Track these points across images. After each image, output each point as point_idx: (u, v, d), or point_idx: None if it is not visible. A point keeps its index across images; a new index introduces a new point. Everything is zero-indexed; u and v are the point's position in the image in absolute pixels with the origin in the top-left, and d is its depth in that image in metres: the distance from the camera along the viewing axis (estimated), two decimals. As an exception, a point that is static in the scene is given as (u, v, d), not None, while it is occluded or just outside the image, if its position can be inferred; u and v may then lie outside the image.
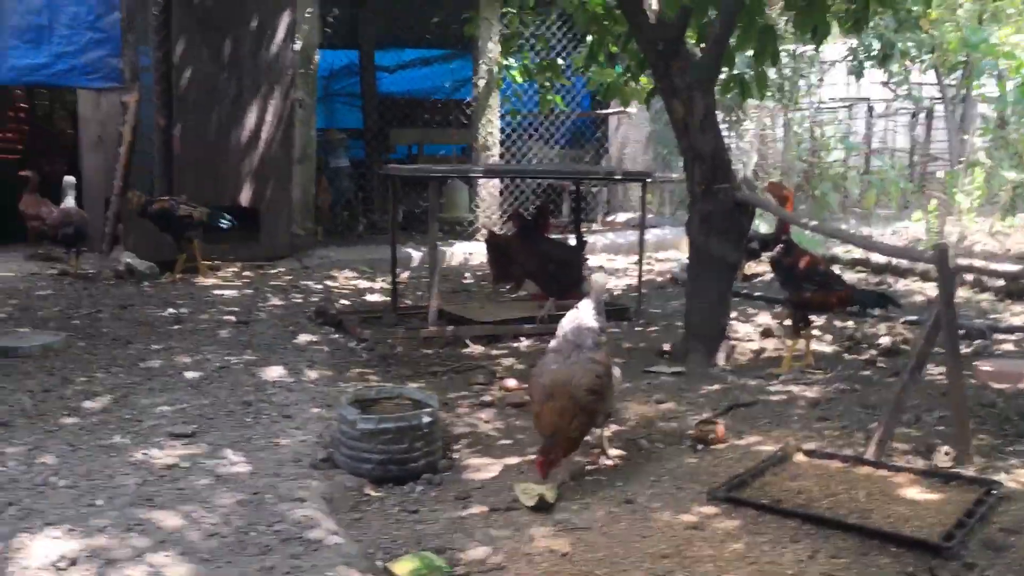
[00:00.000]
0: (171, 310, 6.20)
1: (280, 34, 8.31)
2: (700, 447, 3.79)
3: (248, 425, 3.92)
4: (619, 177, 8.97)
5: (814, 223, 7.33)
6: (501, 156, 9.94)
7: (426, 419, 3.57)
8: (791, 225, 5.27)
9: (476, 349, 5.60)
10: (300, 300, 6.92)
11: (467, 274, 8.53)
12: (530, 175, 9.33)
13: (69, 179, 7.82)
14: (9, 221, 8.73)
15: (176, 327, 5.76)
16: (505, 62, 8.73)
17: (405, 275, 8.42)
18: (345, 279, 8.04)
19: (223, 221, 7.59)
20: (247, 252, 8.45)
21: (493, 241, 6.92)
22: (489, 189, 9.87)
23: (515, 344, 5.74)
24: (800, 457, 3.61)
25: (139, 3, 8.75)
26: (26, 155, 12.98)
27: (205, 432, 3.80)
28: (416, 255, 9.01)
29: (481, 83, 9.53)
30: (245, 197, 8.41)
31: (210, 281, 7.57)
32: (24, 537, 2.72)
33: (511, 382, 4.70)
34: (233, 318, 6.08)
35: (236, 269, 8.23)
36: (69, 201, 7.69)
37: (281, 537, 2.84)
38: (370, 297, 7.23)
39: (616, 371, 3.61)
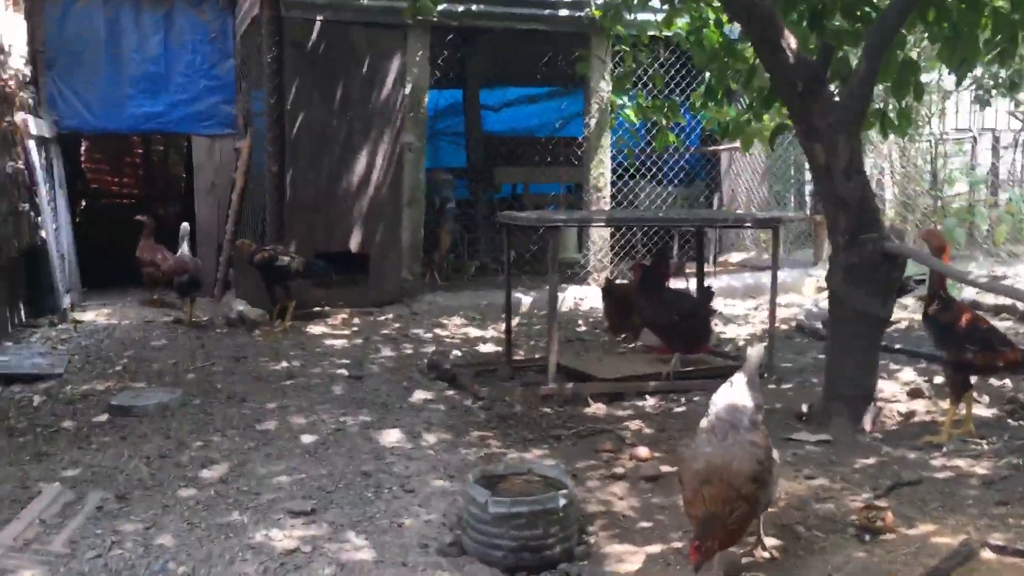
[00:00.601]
0: (284, 364, 6.10)
1: (391, 77, 8.23)
2: (867, 537, 3.38)
3: (369, 501, 3.69)
4: (749, 224, 8.59)
5: (982, 279, 6.76)
6: (613, 196, 9.63)
7: (562, 501, 3.27)
8: (946, 278, 4.81)
9: (598, 408, 5.28)
10: (411, 351, 6.73)
11: (579, 320, 8.22)
12: (654, 222, 8.93)
13: (184, 227, 7.87)
14: (126, 265, 8.90)
15: (289, 382, 5.63)
16: (619, 101, 8.44)
17: (515, 321, 8.18)
18: (455, 327, 7.84)
19: (319, 269, 7.52)
20: (356, 298, 8.35)
21: (611, 291, 6.62)
22: (600, 231, 9.57)
23: (640, 403, 5.40)
24: (987, 554, 3.17)
25: (253, 50, 8.84)
26: (142, 200, 13.37)
27: (325, 508, 3.59)
28: (526, 300, 8.76)
29: (592, 122, 9.26)
30: (355, 242, 8.32)
31: (319, 330, 7.47)
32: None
33: (642, 451, 4.36)
34: (345, 371, 5.92)
35: (345, 316, 8.13)
36: (184, 249, 7.73)
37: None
38: (482, 347, 6.99)
39: (775, 454, 3.24)
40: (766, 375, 5.81)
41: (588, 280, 9.28)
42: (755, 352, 3.40)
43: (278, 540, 3.27)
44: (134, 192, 14.17)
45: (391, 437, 4.53)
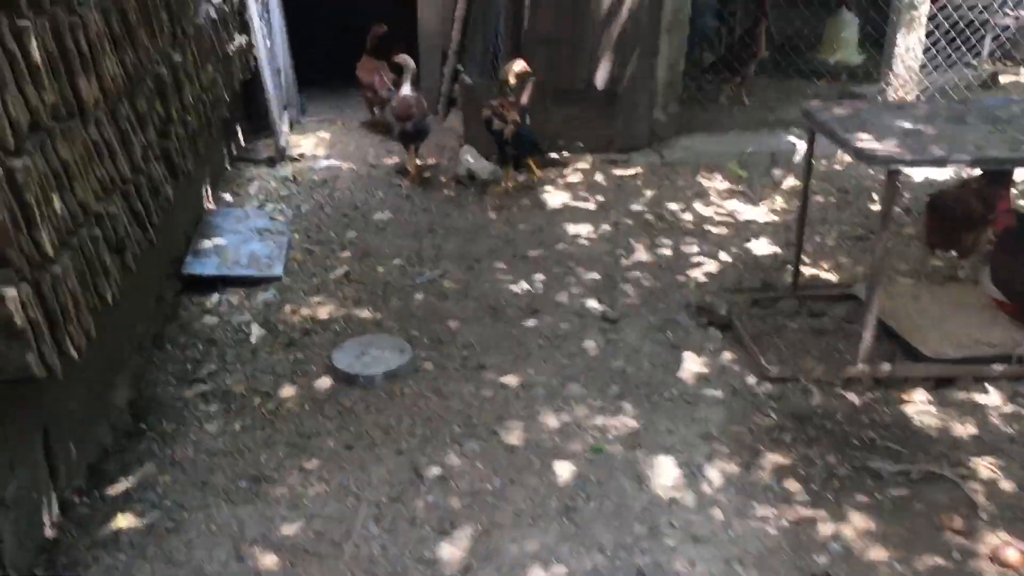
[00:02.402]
0: (523, 284, 5.15)
1: None
2: None
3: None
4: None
5: None
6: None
7: None
8: None
9: (920, 405, 4.07)
10: (669, 253, 5.58)
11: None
12: None
13: (408, 62, 6.74)
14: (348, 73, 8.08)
15: (531, 323, 4.71)
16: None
17: (787, 182, 6.75)
18: (717, 195, 6.53)
19: (527, 143, 6.39)
20: (600, 140, 7.12)
21: (938, 206, 5.10)
22: (909, 40, 7.53)
23: (979, 398, 4.13)
24: None
25: None
26: None
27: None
28: (801, 145, 7.21)
29: None
30: (601, 77, 6.94)
31: (558, 199, 6.39)
32: None
33: (1011, 554, 3.21)
34: (596, 304, 4.92)
35: (586, 167, 6.98)
36: (407, 88, 6.67)
37: None
38: (755, 245, 5.72)
39: None
40: None
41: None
42: None
43: None
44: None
45: (664, 476, 3.58)
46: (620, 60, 6.90)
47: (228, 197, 6.42)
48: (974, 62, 8.98)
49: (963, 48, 8.33)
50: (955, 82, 8.03)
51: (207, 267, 5.19)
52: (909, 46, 7.33)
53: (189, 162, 4.68)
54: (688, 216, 6.15)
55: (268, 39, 7.43)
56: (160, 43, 4.24)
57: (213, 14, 5.67)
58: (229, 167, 7.05)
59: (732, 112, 8.21)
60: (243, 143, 7.61)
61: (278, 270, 5.27)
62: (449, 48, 8.19)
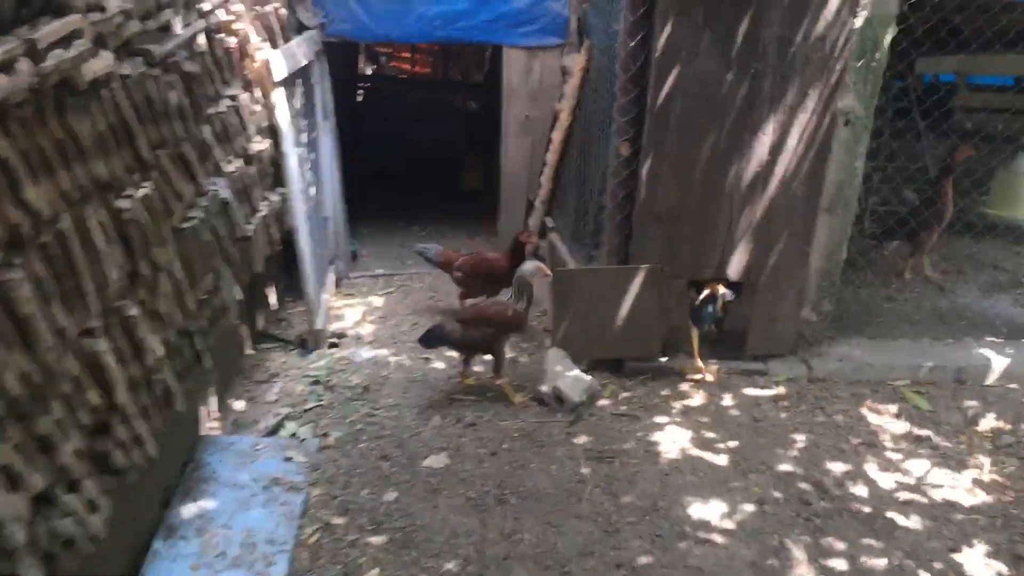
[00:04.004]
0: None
1: (832, 4, 4.76)
2: None
3: None
4: None
5: None
6: None
7: None
8: None
9: None
10: (842, 547, 3.81)
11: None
12: None
13: (522, 272, 5.02)
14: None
15: None
16: None
17: (986, 421, 4.96)
18: (892, 437, 4.76)
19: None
20: (729, 344, 5.45)
21: None
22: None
23: None
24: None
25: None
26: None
27: None
28: (1000, 361, 5.44)
29: None
30: (736, 266, 5.27)
31: (673, 439, 4.69)
32: None
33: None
34: None
35: (710, 379, 5.31)
36: (505, 295, 5.08)
37: None
38: (968, 557, 3.92)
39: None
40: None
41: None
42: None
43: None
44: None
45: None
46: (762, 245, 5.22)
47: (240, 406, 4.90)
48: None
49: None
50: None
51: (175, 570, 3.60)
52: None
53: (150, 448, 3.13)
54: (860, 490, 4.36)
55: (313, 185, 5.97)
56: (109, 298, 2.72)
57: (226, 194, 4.18)
58: (253, 349, 5.55)
59: (896, 304, 6.45)
60: (276, 305, 6.13)
61: (290, 536, 3.68)
62: (536, 197, 6.65)
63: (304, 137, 5.81)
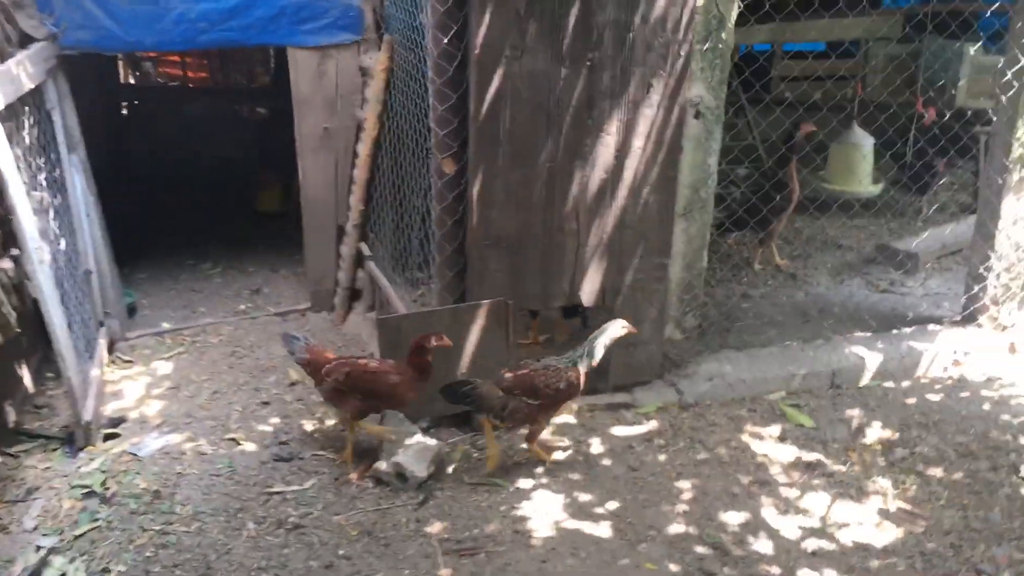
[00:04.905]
0: None
1: (670, -18, 4.08)
2: None
3: None
4: None
5: None
6: None
7: None
8: None
9: None
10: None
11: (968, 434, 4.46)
12: None
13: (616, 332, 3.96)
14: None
15: None
16: None
17: (872, 431, 4.51)
18: (782, 468, 4.22)
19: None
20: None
21: None
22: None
23: None
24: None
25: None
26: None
27: None
28: (871, 359, 5.05)
29: None
30: (588, 290, 4.55)
31: (545, 509, 3.93)
32: None
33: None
34: None
35: (572, 420, 4.60)
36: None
37: None
38: (861, 531, 3.38)
39: None
40: None
41: (977, 319, 5.38)
42: None
43: None
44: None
45: None
46: (616, 263, 4.53)
47: (-18, 543, 3.72)
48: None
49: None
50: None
51: None
52: (1019, 216, 5.22)
53: None
54: (764, 545, 3.76)
55: (63, 236, 4.77)
56: None
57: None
58: (1, 454, 4.34)
59: (754, 302, 5.97)
60: (31, 389, 4.91)
61: None
62: (347, 221, 5.70)
63: (43, 178, 4.61)
